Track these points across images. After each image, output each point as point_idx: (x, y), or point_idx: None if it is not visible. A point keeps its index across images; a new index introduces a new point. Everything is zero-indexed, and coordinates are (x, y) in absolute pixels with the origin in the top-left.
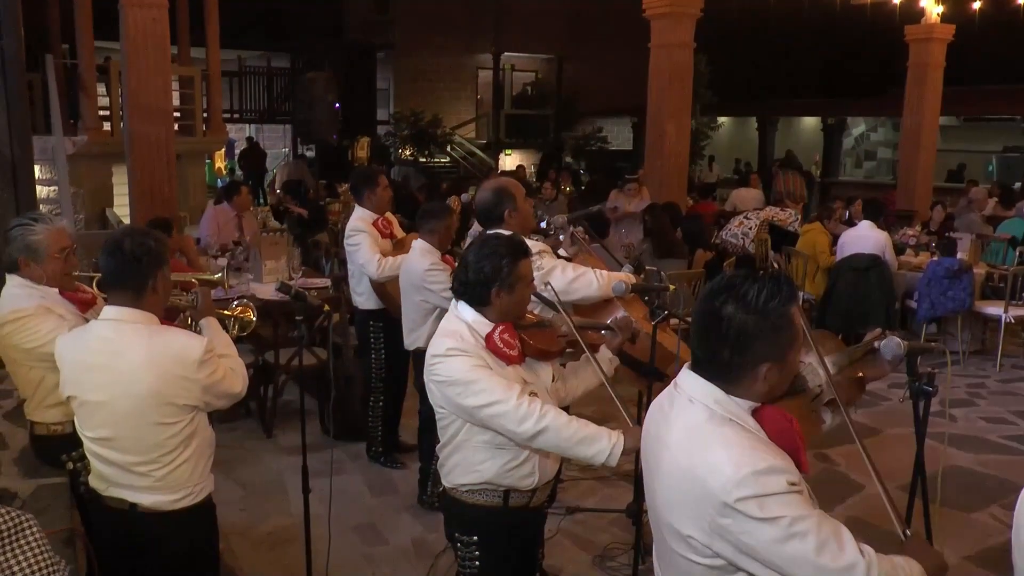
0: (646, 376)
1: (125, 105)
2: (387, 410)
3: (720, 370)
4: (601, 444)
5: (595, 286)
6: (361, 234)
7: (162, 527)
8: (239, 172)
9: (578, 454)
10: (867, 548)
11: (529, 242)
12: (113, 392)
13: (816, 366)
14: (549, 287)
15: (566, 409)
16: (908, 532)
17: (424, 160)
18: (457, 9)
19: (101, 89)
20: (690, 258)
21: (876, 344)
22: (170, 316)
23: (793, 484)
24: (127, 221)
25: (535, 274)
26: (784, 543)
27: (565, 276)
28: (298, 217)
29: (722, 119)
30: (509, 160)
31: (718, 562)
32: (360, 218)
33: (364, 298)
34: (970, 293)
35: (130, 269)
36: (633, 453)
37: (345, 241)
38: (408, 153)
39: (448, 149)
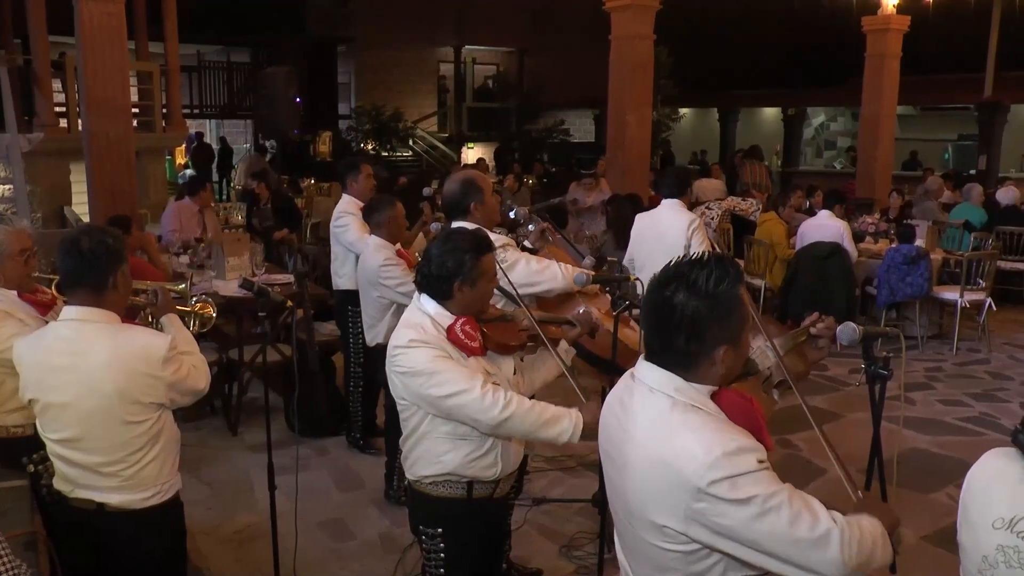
0: (607, 373)
1: (82, 101)
2: (364, 396)
3: (677, 358)
4: (563, 424)
5: (559, 280)
6: (349, 216)
7: (131, 526)
8: (190, 170)
9: (543, 436)
10: (838, 515)
11: (492, 235)
12: (79, 392)
13: (765, 349)
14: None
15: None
16: (860, 493)
17: (386, 154)
18: (417, 2)
19: (57, 85)
20: None
21: (815, 328)
22: (130, 314)
23: (761, 462)
24: (86, 219)
25: (500, 267)
26: (759, 520)
27: (529, 269)
28: (273, 212)
29: (683, 110)
30: (471, 153)
31: (692, 547)
32: (348, 202)
33: (345, 279)
34: (928, 279)
35: (89, 268)
36: (593, 427)
37: (333, 223)
38: (370, 147)
39: (410, 143)
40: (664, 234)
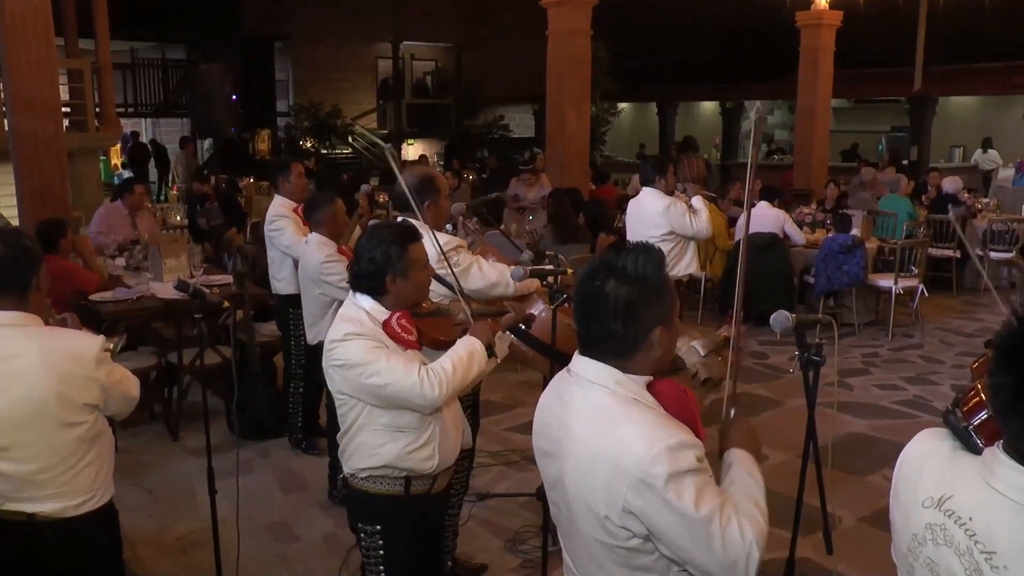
0: (551, 359)
1: (8, 101)
2: (307, 396)
3: (614, 346)
4: (476, 355)
5: (511, 287)
6: (284, 219)
7: (64, 535)
8: (124, 172)
9: (474, 376)
10: (752, 532)
11: (445, 237)
12: (11, 398)
13: (692, 347)
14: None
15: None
16: (732, 413)
17: (326, 152)
18: None
19: None
20: (593, 242)
21: (728, 335)
22: None
23: (700, 460)
24: (16, 223)
25: (454, 270)
26: (688, 525)
27: (483, 277)
28: (221, 212)
29: (622, 105)
30: (412, 150)
31: (634, 542)
32: (281, 204)
33: (284, 284)
34: (863, 267)
35: (9, 272)
36: (490, 342)
37: (266, 227)
38: (309, 145)
39: (350, 140)
40: (645, 219)
